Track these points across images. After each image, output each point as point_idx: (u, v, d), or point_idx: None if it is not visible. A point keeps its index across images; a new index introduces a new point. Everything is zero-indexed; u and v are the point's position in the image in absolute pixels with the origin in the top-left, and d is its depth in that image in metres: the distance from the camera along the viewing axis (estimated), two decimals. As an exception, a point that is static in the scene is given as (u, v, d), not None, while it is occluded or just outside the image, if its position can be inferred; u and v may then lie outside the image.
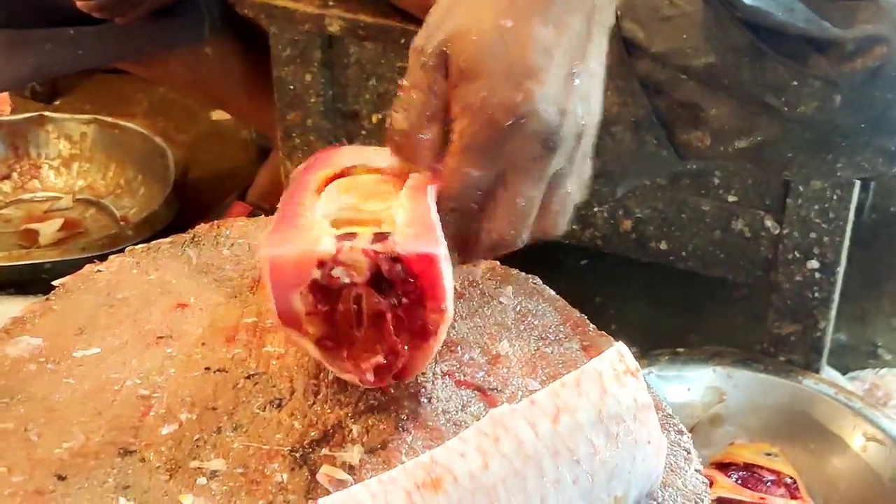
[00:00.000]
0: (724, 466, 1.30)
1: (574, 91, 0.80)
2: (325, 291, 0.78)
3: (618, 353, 0.75)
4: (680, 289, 1.62)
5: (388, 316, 0.78)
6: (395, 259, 0.77)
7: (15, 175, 1.78)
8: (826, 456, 1.38)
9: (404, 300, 0.78)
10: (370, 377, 0.79)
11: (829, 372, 1.50)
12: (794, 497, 1.28)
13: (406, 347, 0.79)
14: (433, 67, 0.80)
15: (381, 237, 0.78)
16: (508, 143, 0.79)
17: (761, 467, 1.29)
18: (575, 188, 0.84)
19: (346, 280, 0.78)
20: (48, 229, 1.69)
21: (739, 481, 1.27)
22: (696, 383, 1.42)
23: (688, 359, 1.42)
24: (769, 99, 1.02)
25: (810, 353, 1.42)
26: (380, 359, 0.79)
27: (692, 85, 1.04)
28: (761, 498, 1.28)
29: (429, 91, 0.81)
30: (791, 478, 1.29)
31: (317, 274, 0.77)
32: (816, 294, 1.37)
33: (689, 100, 1.05)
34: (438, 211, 0.81)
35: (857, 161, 1.04)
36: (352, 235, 0.79)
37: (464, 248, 0.85)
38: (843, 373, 1.53)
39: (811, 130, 1.03)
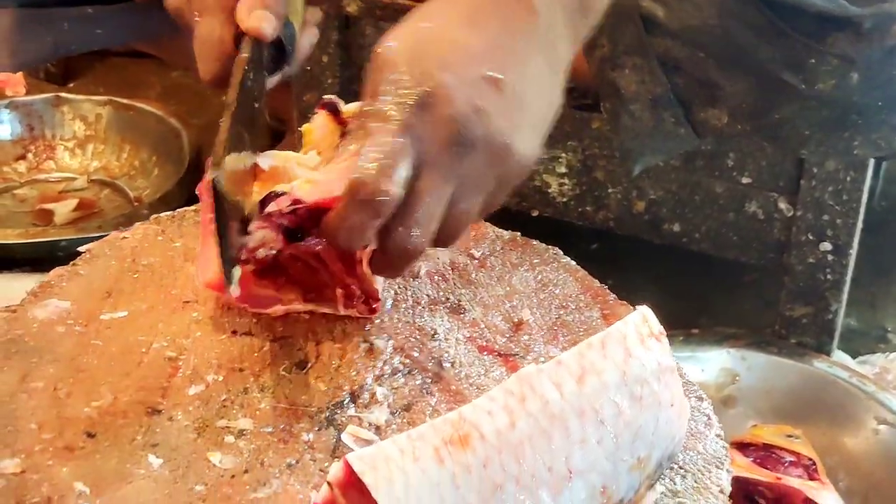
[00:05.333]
0: (743, 447, 1.31)
1: (493, 98, 0.78)
2: (269, 269, 0.85)
3: (642, 316, 0.76)
4: (690, 273, 1.62)
5: (321, 253, 0.83)
6: (293, 211, 0.80)
7: (30, 155, 1.78)
8: (838, 438, 1.39)
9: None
10: (342, 310, 0.87)
11: (839, 355, 1.50)
12: (812, 479, 1.28)
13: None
14: (370, 69, 0.80)
15: (272, 197, 0.81)
16: (417, 126, 0.77)
17: (781, 448, 1.29)
18: (477, 209, 0.81)
19: (272, 252, 0.82)
20: (63, 209, 1.70)
21: (757, 461, 1.28)
22: (709, 364, 1.42)
23: (701, 340, 1.43)
24: (787, 76, 1.02)
25: (822, 335, 1.42)
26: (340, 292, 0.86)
27: (710, 63, 1.04)
28: (777, 478, 1.28)
29: (371, 90, 0.80)
30: (810, 459, 1.29)
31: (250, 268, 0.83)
32: (829, 276, 1.37)
33: (707, 77, 1.05)
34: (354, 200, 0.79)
35: (874, 139, 1.05)
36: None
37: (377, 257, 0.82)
38: (853, 357, 1.54)
39: (828, 108, 1.04)
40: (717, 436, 0.81)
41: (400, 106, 0.76)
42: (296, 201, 0.79)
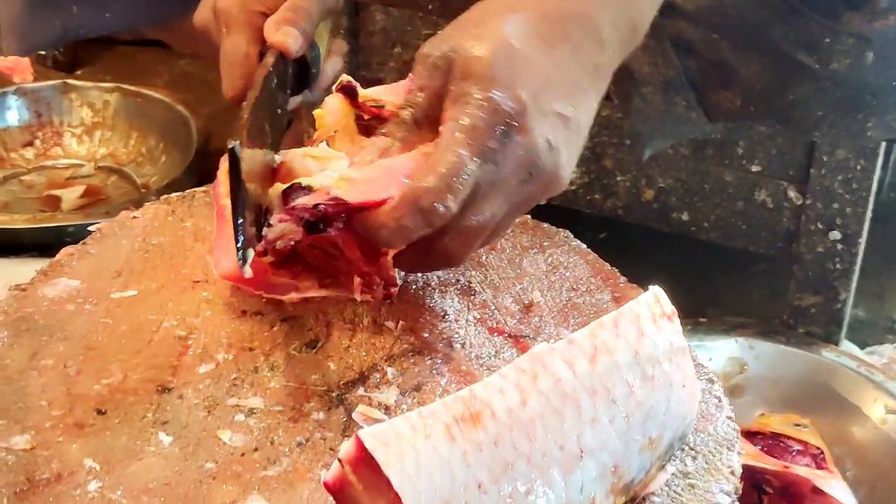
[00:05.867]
0: (751, 435, 1.30)
1: (563, 134, 0.80)
2: (286, 259, 0.85)
3: (654, 296, 0.76)
4: (699, 262, 1.62)
5: (340, 242, 0.83)
6: (315, 205, 0.79)
7: (37, 142, 1.78)
8: (846, 428, 1.38)
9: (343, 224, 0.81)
10: (359, 296, 0.86)
11: (847, 346, 1.50)
12: (819, 467, 1.28)
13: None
14: (437, 69, 0.80)
15: (296, 189, 0.80)
16: (497, 151, 0.77)
17: (789, 437, 1.29)
18: (503, 231, 0.84)
19: (292, 243, 0.82)
20: (70, 195, 1.69)
21: (765, 450, 1.27)
22: (717, 353, 1.41)
23: (710, 329, 1.43)
24: (802, 56, 1.02)
25: (830, 325, 1.42)
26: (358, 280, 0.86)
27: (724, 44, 1.04)
28: (785, 466, 1.28)
29: (432, 91, 0.81)
30: (818, 448, 1.29)
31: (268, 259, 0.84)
32: (838, 266, 1.37)
33: (720, 59, 1.05)
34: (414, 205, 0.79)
35: (888, 121, 1.04)
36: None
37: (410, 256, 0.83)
38: (861, 348, 1.54)
39: (843, 89, 1.03)
40: (728, 418, 0.81)
41: (485, 126, 0.76)
42: (335, 199, 0.78)
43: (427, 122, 0.81)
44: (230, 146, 0.75)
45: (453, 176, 0.75)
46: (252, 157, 0.78)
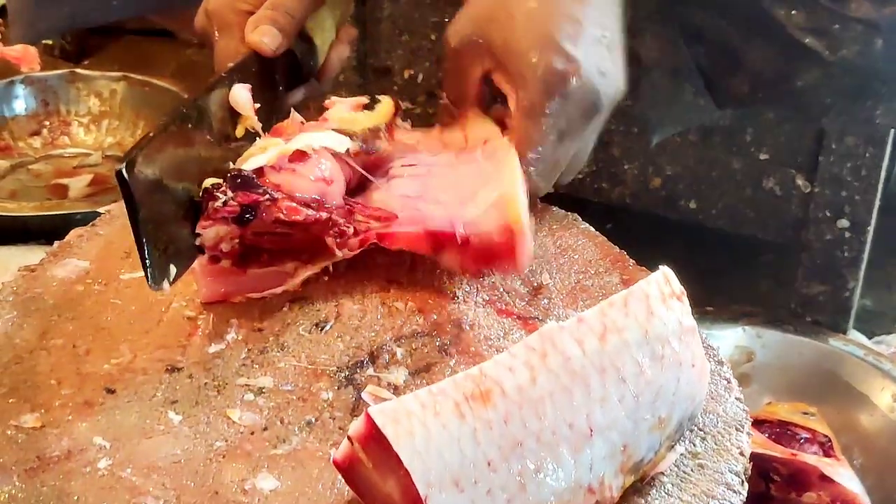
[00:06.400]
0: (758, 423, 1.30)
1: (607, 58, 0.86)
2: (245, 255, 0.85)
3: (664, 276, 0.76)
4: (706, 252, 1.62)
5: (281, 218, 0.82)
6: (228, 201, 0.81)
7: (45, 131, 1.78)
8: (854, 416, 1.38)
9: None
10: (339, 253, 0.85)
11: (854, 335, 1.50)
12: (827, 455, 1.28)
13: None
14: (465, 55, 0.86)
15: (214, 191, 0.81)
16: (561, 107, 0.84)
17: (796, 425, 1.28)
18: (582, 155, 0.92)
19: (236, 241, 0.83)
20: (77, 184, 1.69)
21: (773, 438, 1.27)
22: (725, 342, 1.41)
23: (717, 317, 1.42)
24: (811, 42, 1.01)
25: (838, 314, 1.41)
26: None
27: (733, 30, 1.04)
28: (792, 454, 1.28)
29: (464, 76, 0.87)
30: (826, 436, 1.29)
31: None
32: (846, 254, 1.37)
33: (729, 45, 1.05)
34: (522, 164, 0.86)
35: (896, 108, 1.04)
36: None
37: None
38: (869, 338, 1.53)
39: (851, 75, 1.03)
40: (737, 399, 0.81)
41: (543, 97, 0.84)
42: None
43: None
44: (117, 169, 0.74)
45: (544, 164, 0.86)
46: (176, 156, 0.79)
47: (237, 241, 0.82)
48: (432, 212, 0.84)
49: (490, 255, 0.83)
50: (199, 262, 0.81)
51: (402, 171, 0.89)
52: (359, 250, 0.84)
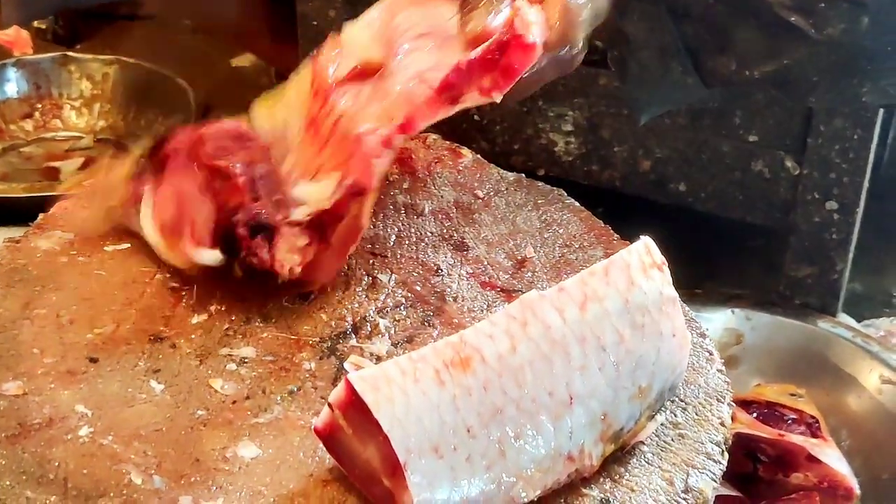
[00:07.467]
0: (746, 404, 1.30)
1: None
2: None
3: (645, 246, 0.76)
4: (696, 235, 1.62)
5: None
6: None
7: (37, 114, 1.78)
8: (842, 398, 1.38)
9: None
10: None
11: (844, 318, 1.50)
12: (814, 436, 1.28)
13: None
14: None
15: None
16: None
17: (784, 406, 1.29)
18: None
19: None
20: (69, 167, 1.69)
21: (760, 419, 1.27)
22: (713, 324, 1.41)
23: (706, 300, 1.42)
24: (796, 20, 1.01)
25: (826, 296, 1.41)
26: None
27: (720, 8, 1.04)
28: (780, 435, 1.28)
29: None
30: (813, 417, 1.29)
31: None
32: (834, 236, 1.37)
33: (716, 24, 1.05)
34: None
35: (883, 86, 1.04)
36: None
37: None
38: (858, 321, 1.53)
39: (838, 53, 1.03)
40: (719, 370, 0.81)
41: None
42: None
43: None
44: None
45: None
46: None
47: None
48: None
49: (501, 55, 0.80)
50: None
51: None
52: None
